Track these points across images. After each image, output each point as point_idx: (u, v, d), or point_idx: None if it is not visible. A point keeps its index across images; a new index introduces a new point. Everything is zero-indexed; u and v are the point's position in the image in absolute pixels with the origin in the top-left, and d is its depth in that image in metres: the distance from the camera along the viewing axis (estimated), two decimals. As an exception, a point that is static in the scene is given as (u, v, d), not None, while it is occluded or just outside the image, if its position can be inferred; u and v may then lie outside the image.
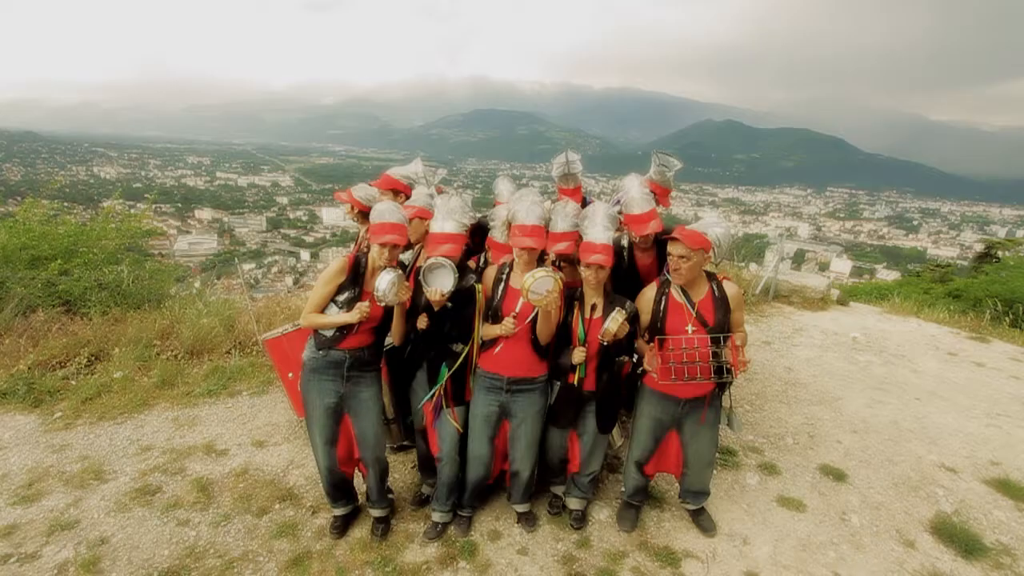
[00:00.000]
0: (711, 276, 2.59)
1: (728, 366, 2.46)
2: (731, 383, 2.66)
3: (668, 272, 2.55)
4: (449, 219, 2.54)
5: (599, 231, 2.44)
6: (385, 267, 2.40)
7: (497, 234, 2.80)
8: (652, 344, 2.51)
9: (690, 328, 2.48)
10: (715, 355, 2.45)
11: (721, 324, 2.49)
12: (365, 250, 2.56)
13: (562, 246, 2.53)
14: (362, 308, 2.42)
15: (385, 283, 2.30)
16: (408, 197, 3.01)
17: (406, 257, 2.85)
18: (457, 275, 2.41)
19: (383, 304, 2.38)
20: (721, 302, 2.53)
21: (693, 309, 2.50)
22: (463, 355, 2.60)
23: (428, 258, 2.46)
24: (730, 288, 2.58)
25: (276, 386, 4.29)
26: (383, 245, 2.38)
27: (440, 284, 2.40)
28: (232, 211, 66.05)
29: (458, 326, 2.57)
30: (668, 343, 2.48)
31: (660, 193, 3.10)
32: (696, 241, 2.40)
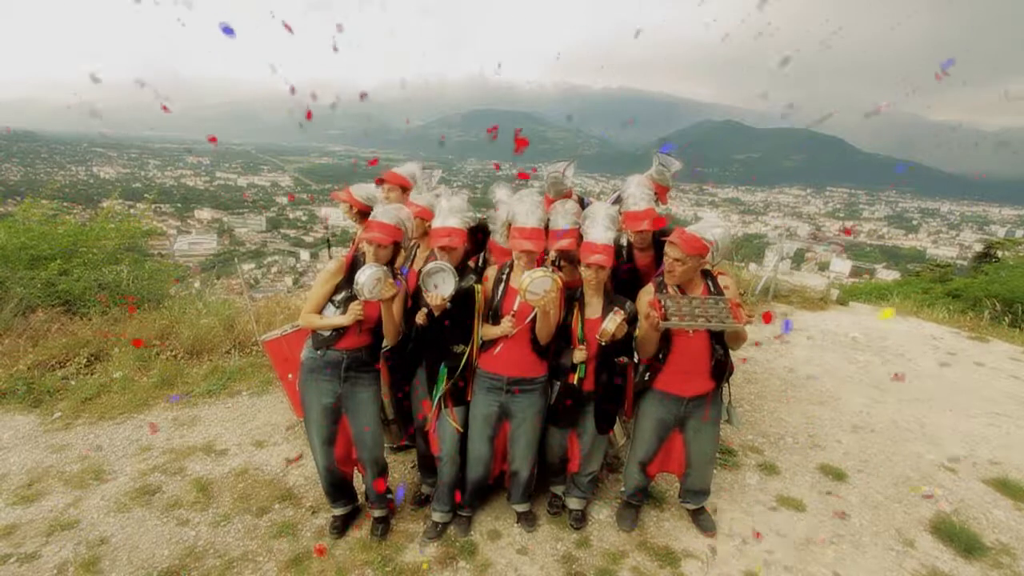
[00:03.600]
0: (706, 272, 2.59)
1: (728, 317, 2.38)
2: (731, 373, 2.67)
3: (663, 273, 2.55)
4: (452, 216, 2.55)
5: (600, 231, 2.44)
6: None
7: (499, 238, 2.81)
8: (652, 300, 2.42)
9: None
10: (717, 314, 2.40)
11: None
12: (363, 250, 2.57)
13: (564, 243, 2.53)
14: (355, 310, 2.42)
15: (364, 276, 2.27)
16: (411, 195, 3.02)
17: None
18: (457, 278, 2.42)
19: (362, 298, 2.34)
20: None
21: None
22: (464, 356, 2.60)
23: (428, 257, 2.46)
24: (724, 283, 2.59)
25: (276, 386, 4.29)
26: (369, 243, 2.40)
27: (440, 288, 2.40)
28: (232, 211, 65.97)
29: (458, 327, 2.57)
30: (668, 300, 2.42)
31: (659, 191, 3.10)
32: (694, 247, 2.39)
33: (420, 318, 2.58)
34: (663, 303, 2.39)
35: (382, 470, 2.77)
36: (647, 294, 2.59)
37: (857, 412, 4.43)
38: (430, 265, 2.43)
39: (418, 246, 2.89)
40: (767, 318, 3.14)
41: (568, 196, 3.15)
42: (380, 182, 3.12)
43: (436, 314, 2.47)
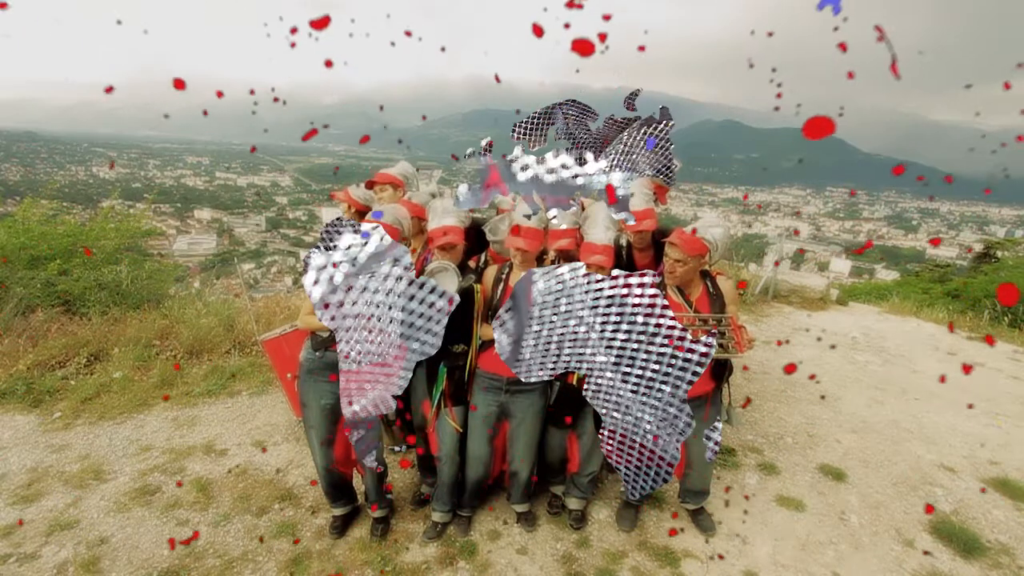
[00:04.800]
0: (705, 273, 2.60)
1: (731, 343, 2.42)
2: (731, 373, 2.67)
3: (663, 273, 2.55)
4: (448, 215, 2.55)
5: (600, 232, 2.44)
6: None
7: (498, 247, 2.81)
8: None
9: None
10: (720, 333, 2.43)
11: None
12: None
13: (563, 243, 2.53)
14: None
15: None
16: (404, 192, 3.03)
17: None
18: (460, 277, 2.42)
19: None
20: (716, 298, 2.53)
21: (691, 308, 2.50)
22: (468, 357, 2.60)
23: (431, 258, 2.46)
24: (724, 284, 2.59)
25: (275, 386, 4.29)
26: None
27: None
28: (231, 211, 65.96)
29: (457, 326, 2.57)
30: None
31: (659, 191, 3.11)
32: (693, 248, 2.40)
33: None
34: None
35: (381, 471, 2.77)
36: None
37: (857, 412, 4.43)
38: (432, 264, 2.43)
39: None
40: (1011, 297, 1.64)
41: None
42: (371, 185, 3.13)
43: None
